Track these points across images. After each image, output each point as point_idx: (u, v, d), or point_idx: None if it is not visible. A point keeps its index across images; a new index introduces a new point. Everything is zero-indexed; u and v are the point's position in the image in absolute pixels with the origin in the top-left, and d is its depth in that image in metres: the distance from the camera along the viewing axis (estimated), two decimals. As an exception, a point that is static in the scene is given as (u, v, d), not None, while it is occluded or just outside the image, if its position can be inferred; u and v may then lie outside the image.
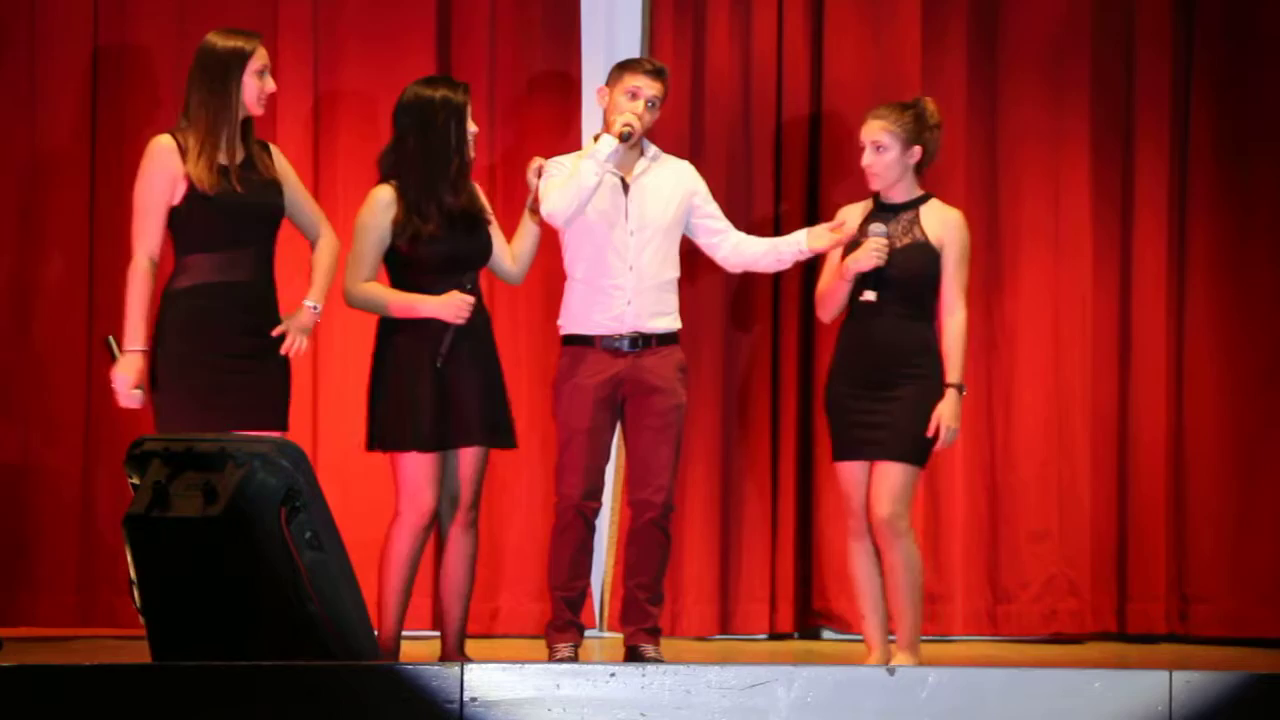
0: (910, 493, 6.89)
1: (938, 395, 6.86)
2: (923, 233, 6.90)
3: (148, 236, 6.53)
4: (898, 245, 6.86)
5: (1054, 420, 8.34)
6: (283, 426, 6.61)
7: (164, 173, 6.52)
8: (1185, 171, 8.44)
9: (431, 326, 6.77)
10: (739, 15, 8.29)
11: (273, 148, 6.76)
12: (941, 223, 6.92)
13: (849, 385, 6.92)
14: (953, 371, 6.88)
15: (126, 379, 6.50)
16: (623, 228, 7.04)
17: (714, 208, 7.22)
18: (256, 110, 6.61)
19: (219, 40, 6.60)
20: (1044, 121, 8.39)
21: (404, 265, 6.84)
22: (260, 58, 6.59)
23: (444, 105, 6.83)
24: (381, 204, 6.84)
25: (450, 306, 6.78)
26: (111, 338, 6.56)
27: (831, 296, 6.97)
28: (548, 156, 8.09)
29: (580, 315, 7.05)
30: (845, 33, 8.32)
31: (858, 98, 8.27)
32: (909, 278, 6.85)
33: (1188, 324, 8.42)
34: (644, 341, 7.04)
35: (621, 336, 7.03)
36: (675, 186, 7.13)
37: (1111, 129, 8.42)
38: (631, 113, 6.98)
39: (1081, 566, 8.33)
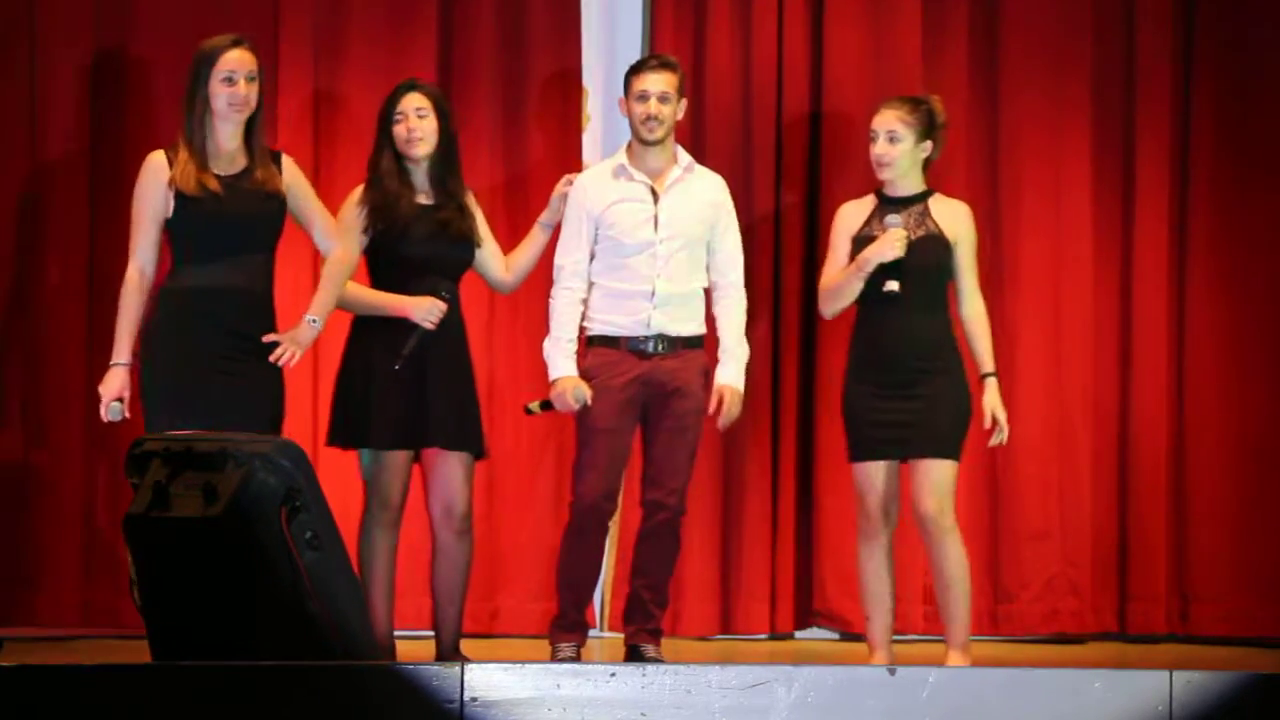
0: (954, 488, 6.95)
1: (963, 388, 6.93)
2: (935, 225, 6.95)
3: (139, 249, 6.56)
4: (912, 237, 6.89)
5: (1054, 420, 8.33)
6: (271, 430, 6.58)
7: (154, 186, 6.55)
8: (1186, 168, 8.43)
9: (402, 328, 6.78)
10: (739, 15, 8.29)
11: (284, 158, 6.74)
12: (953, 215, 7.00)
13: (871, 384, 6.93)
14: (987, 361, 7.00)
15: (105, 391, 6.54)
16: (651, 235, 7.03)
17: (725, 250, 7.13)
18: (226, 117, 6.55)
19: (201, 45, 6.60)
20: (1045, 119, 8.39)
21: (377, 265, 6.90)
22: (228, 62, 6.54)
23: (386, 105, 6.94)
24: (350, 204, 6.92)
25: (420, 308, 6.79)
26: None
27: (842, 291, 6.95)
28: (548, 159, 8.12)
29: (605, 317, 7.05)
30: (845, 31, 8.31)
31: (858, 96, 8.27)
32: (927, 269, 6.91)
33: (1189, 323, 8.42)
34: (668, 344, 7.04)
35: (647, 339, 7.03)
36: (705, 201, 7.12)
37: (1112, 126, 8.42)
38: (572, 395, 6.95)
39: (1082, 566, 8.32)
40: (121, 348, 6.54)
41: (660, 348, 7.03)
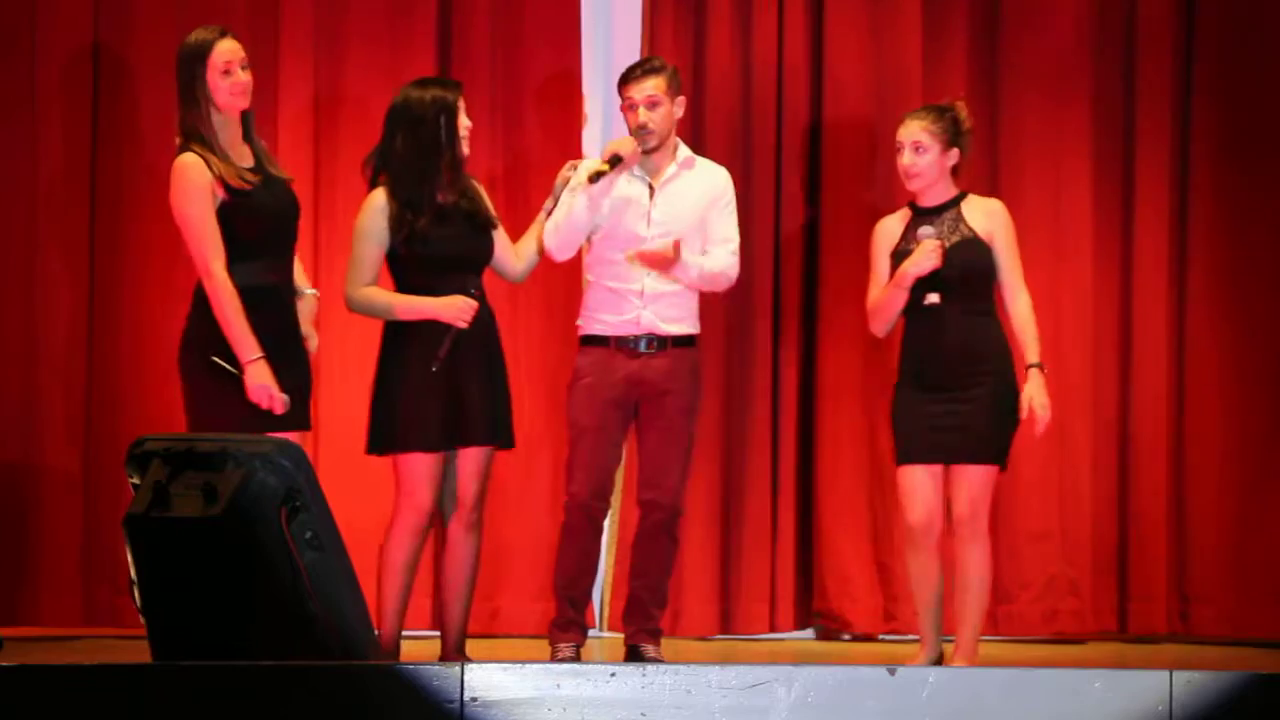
0: (989, 493, 6.99)
1: (1010, 391, 6.95)
2: (969, 228, 6.96)
3: (215, 250, 6.39)
4: (947, 244, 6.90)
5: (1054, 420, 8.30)
6: (309, 425, 6.62)
7: (204, 185, 6.40)
8: (1186, 170, 8.44)
9: (435, 329, 6.76)
10: (739, 15, 8.29)
11: None
12: (986, 214, 7.01)
13: (918, 390, 6.95)
14: (1031, 352, 6.99)
15: (266, 386, 6.38)
16: (643, 232, 7.03)
17: (722, 222, 7.12)
18: (231, 108, 6.50)
19: (187, 40, 6.52)
20: (1045, 121, 8.39)
21: (404, 266, 6.83)
22: (223, 54, 6.47)
23: (435, 104, 6.80)
24: (376, 208, 6.82)
25: (453, 308, 6.76)
26: (215, 358, 6.44)
27: (888, 307, 6.97)
28: (547, 158, 8.08)
29: (597, 316, 7.04)
30: (846, 33, 8.32)
31: (858, 98, 8.28)
32: (967, 274, 6.92)
33: (1188, 323, 8.42)
34: (659, 343, 7.03)
35: (636, 338, 7.02)
36: (701, 194, 7.11)
37: (1112, 128, 8.42)
38: (618, 144, 6.93)
39: (1082, 566, 8.33)
40: (251, 344, 6.37)
41: (650, 346, 7.02)
